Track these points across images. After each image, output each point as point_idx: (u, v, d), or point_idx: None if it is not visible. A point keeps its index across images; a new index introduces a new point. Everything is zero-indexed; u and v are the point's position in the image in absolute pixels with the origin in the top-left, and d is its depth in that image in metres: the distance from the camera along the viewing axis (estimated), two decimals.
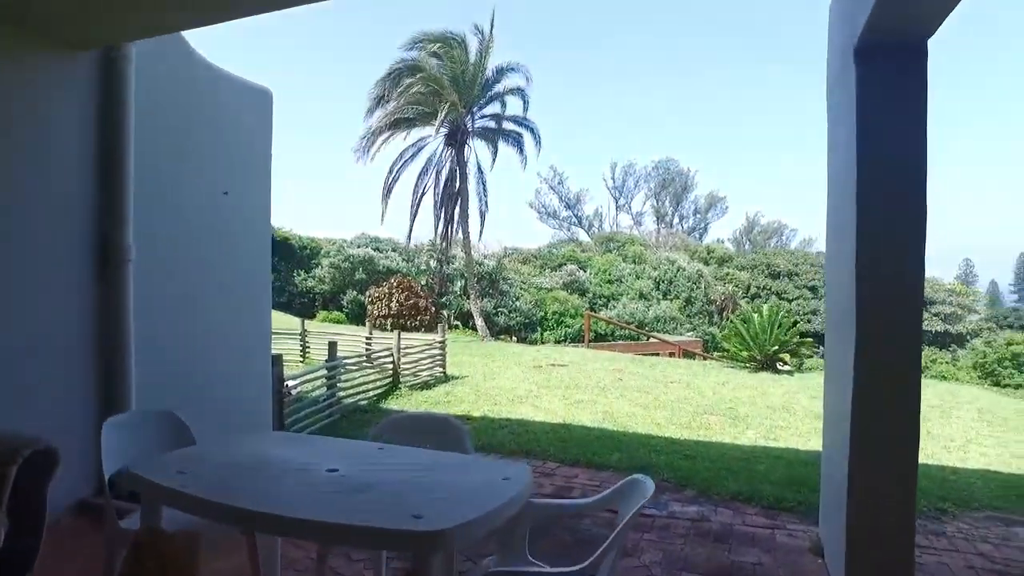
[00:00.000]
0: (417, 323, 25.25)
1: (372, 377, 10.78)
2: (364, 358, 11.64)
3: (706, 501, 5.59)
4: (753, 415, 9.73)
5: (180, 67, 5.22)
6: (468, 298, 32.24)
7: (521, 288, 42.21)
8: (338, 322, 33.10)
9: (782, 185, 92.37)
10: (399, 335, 11.11)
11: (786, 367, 14.78)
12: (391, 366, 11.01)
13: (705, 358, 30.60)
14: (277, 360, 7.25)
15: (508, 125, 20.94)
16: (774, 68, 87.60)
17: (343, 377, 10.14)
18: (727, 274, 50.23)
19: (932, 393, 12.95)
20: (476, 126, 20.78)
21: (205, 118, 5.54)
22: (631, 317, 40.64)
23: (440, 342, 12.24)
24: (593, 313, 28.59)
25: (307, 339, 14.10)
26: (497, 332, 35.85)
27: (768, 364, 14.53)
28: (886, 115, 3.57)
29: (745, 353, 14.82)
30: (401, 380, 10.95)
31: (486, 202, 21.39)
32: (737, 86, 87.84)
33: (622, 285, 45.90)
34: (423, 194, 21.20)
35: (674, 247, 53.40)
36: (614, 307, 42.00)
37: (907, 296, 3.53)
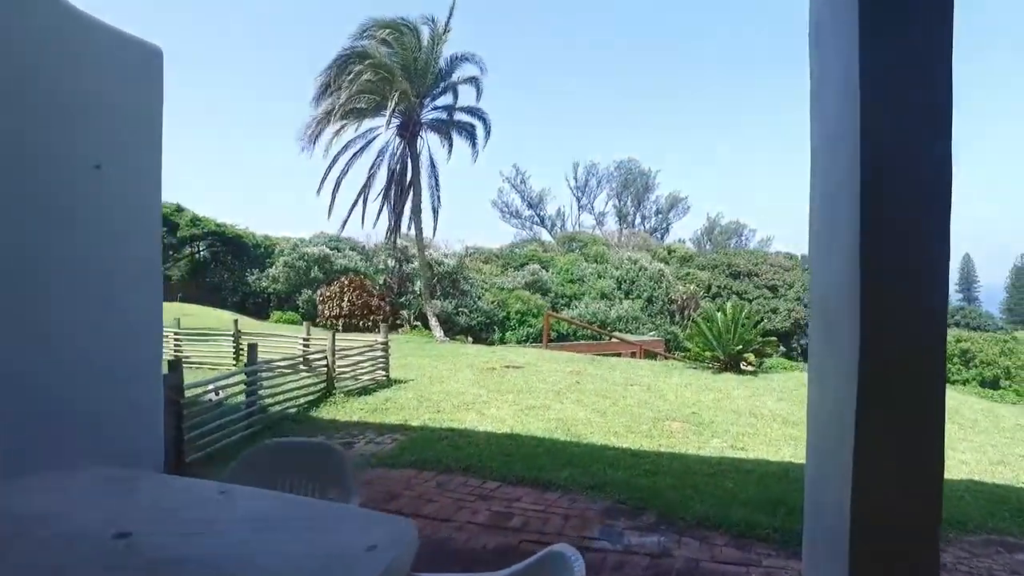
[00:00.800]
0: (370, 323, 24.09)
1: (305, 382, 9.75)
2: (298, 361, 10.60)
3: (668, 529, 4.75)
4: (718, 421, 8.97)
5: (27, 3, 4.17)
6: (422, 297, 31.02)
7: (483, 288, 41.40)
8: (292, 323, 31.70)
9: (742, 185, 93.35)
10: (333, 336, 10.06)
11: (750, 367, 14.13)
12: (326, 370, 9.99)
13: (667, 358, 30.10)
14: (174, 366, 6.22)
15: (462, 116, 19.94)
16: (736, 67, 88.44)
17: (271, 383, 9.12)
18: (688, 274, 50.12)
19: None
20: (429, 118, 19.74)
21: (68, 74, 4.49)
22: (593, 317, 40.07)
23: (383, 343, 11.21)
24: (554, 313, 27.76)
25: (241, 340, 12.95)
26: (458, 332, 34.83)
27: (732, 364, 13.86)
28: (902, 59, 2.76)
29: (708, 353, 14.12)
30: (336, 385, 9.92)
31: (439, 197, 20.41)
32: (700, 86, 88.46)
33: (584, 285, 45.38)
34: (372, 189, 19.98)
35: (636, 247, 53.06)
36: (576, 307, 41.45)
37: (928, 278, 2.70)
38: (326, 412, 9.02)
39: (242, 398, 8.75)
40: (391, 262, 38.54)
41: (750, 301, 46.02)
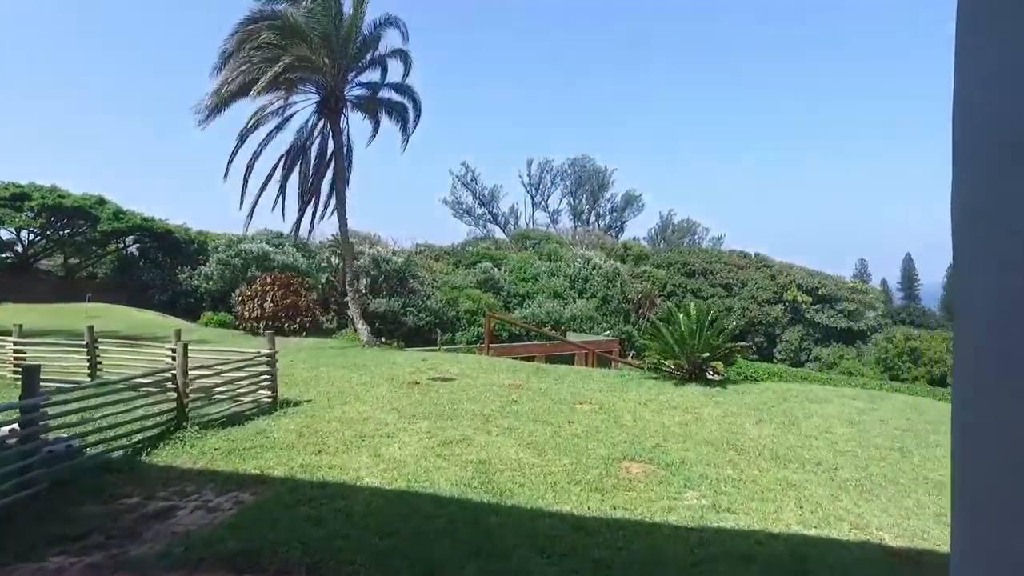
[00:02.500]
0: (297, 326, 21.30)
1: (160, 407, 7.20)
2: (164, 378, 7.95)
3: None
4: (690, 459, 6.73)
5: None
6: (345, 294, 27.95)
7: (433, 286, 39.07)
8: (223, 324, 28.67)
9: (696, 184, 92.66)
10: (184, 348, 7.44)
11: (716, 376, 12.03)
12: (188, 392, 7.41)
13: (621, 362, 28.12)
14: None
15: (391, 94, 17.08)
16: (690, 60, 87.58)
17: (102, 412, 6.58)
18: (644, 272, 48.56)
19: (896, 408, 10.42)
20: (354, 94, 16.89)
21: None
22: (547, 316, 37.99)
23: (268, 355, 8.66)
24: (497, 314, 25.39)
25: (97, 350, 10.14)
26: (405, 333, 32.13)
27: (696, 374, 11.73)
28: None
29: (671, 362, 11.95)
30: (193, 413, 7.35)
31: (348, 179, 17.46)
32: (655, 84, 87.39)
33: (537, 283, 43.33)
34: (286, 173, 16.93)
35: (590, 245, 51.22)
36: (529, 306, 39.40)
37: None
38: (167, 454, 6.47)
39: (82, 430, 6.24)
40: (335, 259, 35.77)
41: (705, 299, 44.66)
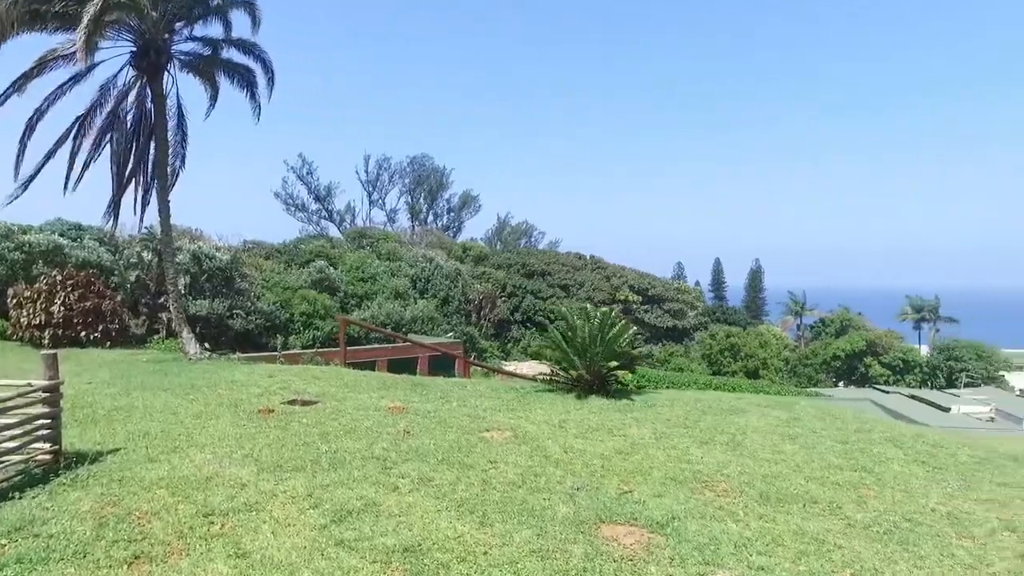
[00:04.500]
0: (99, 334, 17.00)
1: None
2: None
3: None
4: (676, 511, 5.01)
5: None
6: (159, 295, 23.56)
7: (263, 286, 34.98)
8: None
9: (531, 187, 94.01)
10: None
11: (618, 386, 10.66)
12: None
13: (472, 364, 26.59)
14: None
15: (233, 54, 13.73)
16: (525, 63, 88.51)
17: None
18: (483, 272, 47.58)
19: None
20: (184, 50, 13.37)
21: None
22: (387, 317, 35.58)
23: (48, 387, 5.64)
24: (350, 319, 22.69)
25: None
26: (232, 338, 28.08)
27: (599, 385, 10.26)
28: None
29: (573, 372, 10.36)
30: None
31: (183, 156, 14.01)
32: (488, 83, 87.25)
33: (376, 283, 40.65)
34: (87, 140, 12.98)
35: (430, 244, 49.32)
36: (368, 307, 36.70)
37: None
38: None
39: None
40: (147, 255, 30.43)
41: (544, 300, 44.74)
